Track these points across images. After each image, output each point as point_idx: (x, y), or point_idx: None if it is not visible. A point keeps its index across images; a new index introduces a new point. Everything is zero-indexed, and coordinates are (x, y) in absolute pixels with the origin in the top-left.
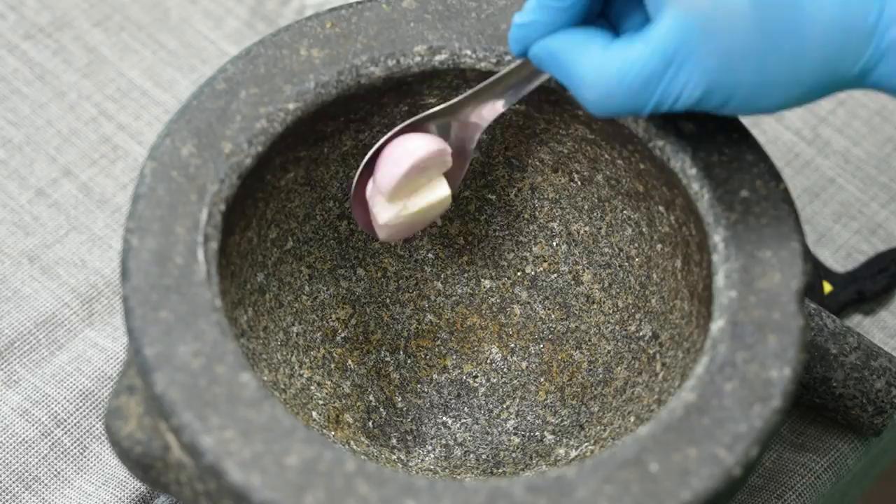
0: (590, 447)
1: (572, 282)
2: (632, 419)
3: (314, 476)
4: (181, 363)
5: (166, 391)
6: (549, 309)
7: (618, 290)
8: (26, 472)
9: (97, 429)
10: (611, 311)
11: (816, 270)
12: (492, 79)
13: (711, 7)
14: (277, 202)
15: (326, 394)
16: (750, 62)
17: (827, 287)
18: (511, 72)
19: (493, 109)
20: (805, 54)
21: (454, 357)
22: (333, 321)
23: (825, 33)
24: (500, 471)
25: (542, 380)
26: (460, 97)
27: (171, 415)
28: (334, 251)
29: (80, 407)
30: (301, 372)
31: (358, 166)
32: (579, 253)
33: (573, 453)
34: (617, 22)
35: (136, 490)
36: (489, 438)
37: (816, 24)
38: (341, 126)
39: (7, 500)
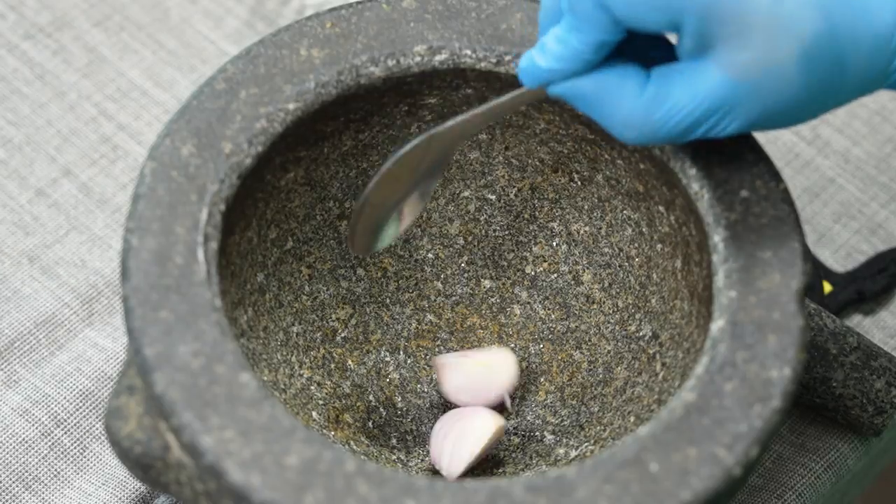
0: (590, 447)
1: (572, 282)
2: (632, 419)
3: (314, 476)
4: (181, 363)
5: (166, 391)
6: (548, 309)
7: (618, 290)
8: (26, 472)
9: (97, 429)
10: (611, 311)
11: (816, 270)
12: (505, 99)
13: (763, 75)
14: (277, 202)
15: (326, 394)
16: (792, 113)
17: (827, 287)
18: (524, 95)
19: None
20: (842, 99)
21: None
22: (333, 321)
23: (862, 78)
24: (500, 470)
25: (541, 380)
26: (468, 115)
27: (171, 415)
28: (334, 251)
29: (80, 407)
30: (301, 372)
31: (357, 166)
32: (579, 253)
33: (573, 453)
34: (639, 53)
35: (136, 490)
36: None
37: (855, 73)
38: (341, 126)
39: (7, 501)
